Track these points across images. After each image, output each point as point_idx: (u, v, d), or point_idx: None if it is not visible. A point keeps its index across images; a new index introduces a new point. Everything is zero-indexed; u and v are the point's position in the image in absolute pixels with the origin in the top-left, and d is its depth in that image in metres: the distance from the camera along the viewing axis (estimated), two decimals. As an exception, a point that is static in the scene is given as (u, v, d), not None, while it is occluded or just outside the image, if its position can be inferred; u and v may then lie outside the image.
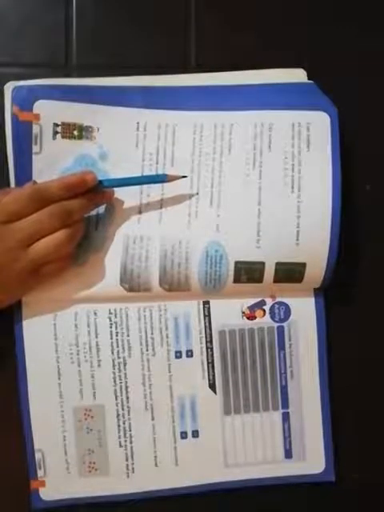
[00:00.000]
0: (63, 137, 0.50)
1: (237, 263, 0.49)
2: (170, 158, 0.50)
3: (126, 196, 0.50)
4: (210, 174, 0.50)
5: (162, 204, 0.50)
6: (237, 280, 0.50)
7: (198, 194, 0.50)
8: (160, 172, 0.50)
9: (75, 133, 0.50)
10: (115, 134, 0.50)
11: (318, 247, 0.49)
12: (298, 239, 0.49)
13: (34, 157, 0.49)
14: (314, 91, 0.51)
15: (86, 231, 0.50)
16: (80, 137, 0.50)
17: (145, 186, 0.50)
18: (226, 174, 0.50)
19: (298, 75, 0.52)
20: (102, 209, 0.50)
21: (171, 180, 0.49)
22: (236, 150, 0.50)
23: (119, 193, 0.50)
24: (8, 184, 0.49)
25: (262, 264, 0.49)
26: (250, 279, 0.50)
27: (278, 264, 0.49)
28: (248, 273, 0.50)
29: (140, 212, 0.50)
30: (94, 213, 0.50)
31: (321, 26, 0.53)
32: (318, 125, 0.50)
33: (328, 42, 0.53)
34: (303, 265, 0.50)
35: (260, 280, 0.50)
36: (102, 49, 0.52)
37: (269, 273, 0.50)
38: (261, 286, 0.50)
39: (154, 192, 0.50)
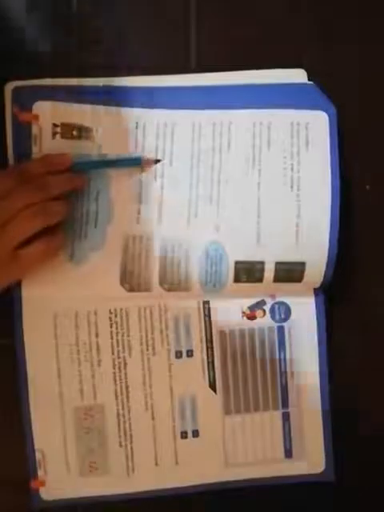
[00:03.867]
0: (62, 137, 0.50)
1: (237, 263, 0.49)
2: (168, 156, 0.50)
3: (125, 195, 0.50)
4: (209, 173, 0.50)
5: (161, 203, 0.50)
6: (237, 280, 0.50)
7: (197, 193, 0.50)
8: (159, 172, 0.50)
9: (74, 133, 0.50)
10: (114, 134, 0.50)
11: (318, 246, 0.49)
12: (297, 238, 0.49)
13: (33, 157, 0.49)
14: (313, 91, 0.51)
15: (84, 231, 0.50)
16: (79, 137, 0.50)
17: (144, 185, 0.50)
18: (225, 173, 0.50)
19: (298, 75, 0.52)
20: (101, 208, 0.50)
21: (146, 164, 0.49)
22: (235, 149, 0.50)
23: (118, 192, 0.50)
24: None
25: (262, 263, 0.49)
26: (250, 279, 0.50)
27: (277, 263, 0.49)
28: (248, 272, 0.50)
29: (139, 212, 0.50)
30: (92, 212, 0.50)
31: (321, 26, 0.53)
32: (317, 124, 0.50)
33: (328, 42, 0.53)
34: (303, 264, 0.50)
35: (260, 280, 0.50)
36: (102, 49, 0.52)
37: (269, 272, 0.50)
38: (261, 286, 0.50)
39: (154, 191, 0.50)
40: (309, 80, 0.52)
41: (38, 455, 0.51)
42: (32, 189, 0.46)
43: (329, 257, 0.50)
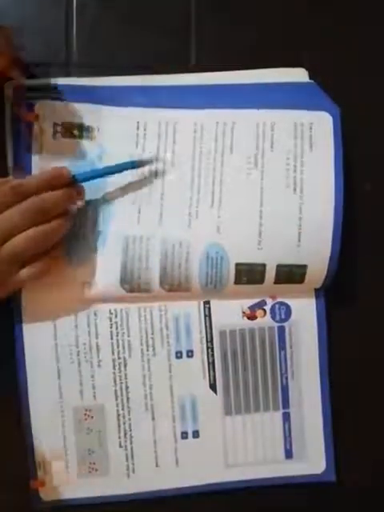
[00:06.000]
0: (63, 136, 0.49)
1: (237, 265, 0.49)
2: (170, 156, 0.50)
3: (125, 195, 0.50)
4: (211, 174, 0.50)
5: (161, 204, 0.50)
6: (237, 281, 0.50)
7: (198, 193, 0.50)
8: (160, 171, 0.50)
9: (75, 132, 0.50)
10: (115, 134, 0.50)
11: (320, 249, 0.49)
12: (299, 241, 0.49)
13: (33, 156, 0.49)
14: (315, 91, 0.51)
15: (83, 232, 0.49)
16: (80, 136, 0.50)
17: (144, 185, 0.50)
18: (228, 173, 0.50)
19: (298, 75, 0.52)
20: (100, 208, 0.50)
21: (141, 165, 0.49)
22: (237, 150, 0.50)
23: (118, 192, 0.50)
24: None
25: (263, 266, 0.49)
26: (250, 281, 0.50)
27: (278, 266, 0.49)
28: (249, 274, 0.49)
29: (139, 212, 0.50)
30: (92, 212, 0.50)
31: (321, 26, 0.53)
32: (321, 125, 0.50)
33: (328, 42, 0.53)
34: (304, 267, 0.49)
35: (261, 281, 0.50)
36: (102, 48, 0.52)
37: (270, 274, 0.49)
38: (261, 287, 0.50)
39: (154, 191, 0.50)
40: (310, 79, 0.52)
41: (37, 456, 0.51)
42: (30, 210, 0.45)
43: (331, 259, 0.49)
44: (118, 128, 0.50)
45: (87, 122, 0.50)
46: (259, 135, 0.50)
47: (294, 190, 0.49)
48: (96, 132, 0.50)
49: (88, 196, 0.49)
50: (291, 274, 0.50)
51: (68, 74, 0.51)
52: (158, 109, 0.50)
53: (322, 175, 0.49)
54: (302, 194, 0.49)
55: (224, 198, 0.49)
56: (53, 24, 0.51)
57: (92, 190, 0.49)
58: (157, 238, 0.49)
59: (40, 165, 0.49)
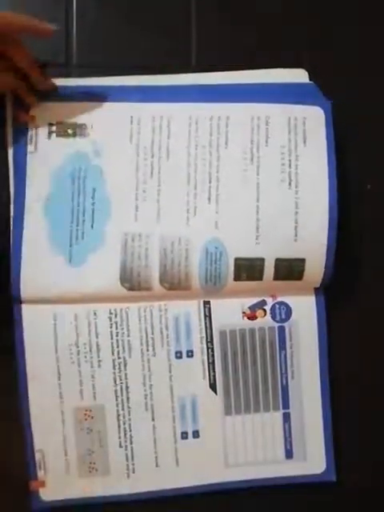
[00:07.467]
0: (58, 136, 0.50)
1: (237, 260, 0.49)
2: (165, 151, 0.50)
3: (122, 193, 0.50)
4: (207, 169, 0.50)
5: (159, 201, 0.50)
6: (237, 277, 0.50)
7: (195, 189, 0.50)
8: (155, 167, 0.50)
9: (69, 131, 0.50)
10: (109, 130, 0.50)
11: (317, 242, 0.49)
12: (296, 235, 0.49)
13: (28, 156, 0.49)
14: (310, 89, 0.51)
15: (82, 231, 0.50)
16: (74, 134, 0.50)
17: (141, 182, 0.50)
18: (224, 169, 0.50)
19: (298, 75, 0.52)
20: (97, 206, 0.50)
21: None
22: (233, 144, 0.50)
23: (115, 189, 0.50)
24: (7, 183, 0.50)
25: (262, 260, 0.49)
26: (250, 277, 0.50)
27: (277, 260, 0.49)
28: (248, 270, 0.49)
29: (137, 209, 0.50)
30: (89, 210, 0.50)
31: (321, 26, 0.53)
32: (314, 119, 0.50)
33: (328, 42, 0.53)
34: (302, 260, 0.49)
35: (260, 277, 0.50)
36: (102, 49, 0.52)
37: (269, 269, 0.49)
38: (261, 284, 0.50)
39: (151, 188, 0.50)
40: (309, 80, 0.52)
41: (37, 456, 0.51)
42: None
43: (328, 253, 0.49)
44: (111, 124, 0.50)
45: (81, 119, 0.50)
46: (254, 129, 0.50)
47: (289, 184, 0.49)
48: (90, 129, 0.50)
49: (85, 195, 0.50)
50: (290, 269, 0.50)
51: (68, 75, 0.51)
52: (152, 103, 0.50)
53: (316, 169, 0.50)
54: (297, 189, 0.49)
55: (221, 193, 0.50)
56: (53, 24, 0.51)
57: (88, 189, 0.50)
58: (155, 235, 0.49)
59: (34, 164, 0.49)
